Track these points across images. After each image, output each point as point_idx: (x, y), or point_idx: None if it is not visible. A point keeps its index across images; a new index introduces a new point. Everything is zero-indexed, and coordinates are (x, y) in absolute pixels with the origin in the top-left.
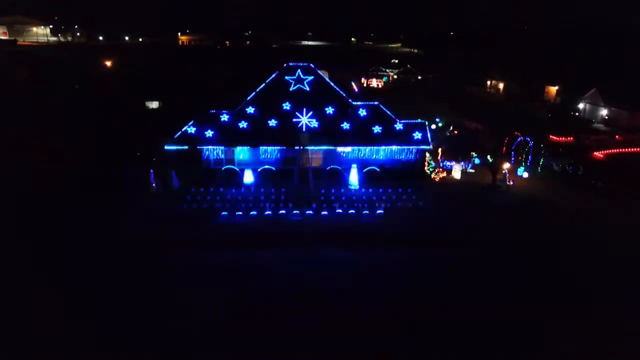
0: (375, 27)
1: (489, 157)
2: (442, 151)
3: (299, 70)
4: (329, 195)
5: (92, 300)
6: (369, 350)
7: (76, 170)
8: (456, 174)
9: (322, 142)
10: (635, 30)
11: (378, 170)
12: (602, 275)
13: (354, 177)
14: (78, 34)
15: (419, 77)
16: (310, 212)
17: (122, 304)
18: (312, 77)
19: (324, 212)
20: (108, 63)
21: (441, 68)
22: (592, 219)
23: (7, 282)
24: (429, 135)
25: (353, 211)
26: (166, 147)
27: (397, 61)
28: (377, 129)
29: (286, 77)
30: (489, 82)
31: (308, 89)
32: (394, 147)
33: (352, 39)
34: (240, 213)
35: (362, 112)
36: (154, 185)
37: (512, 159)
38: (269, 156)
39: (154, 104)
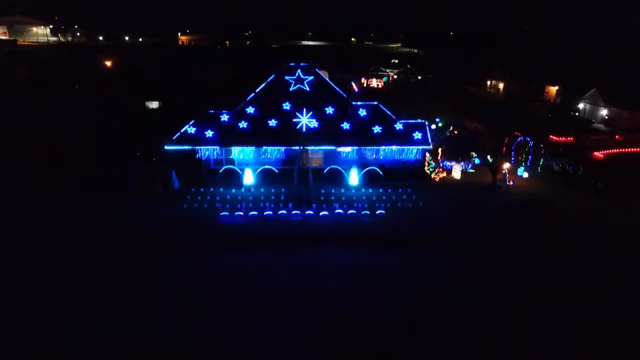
0: (375, 27)
1: (489, 157)
2: (442, 151)
3: (299, 70)
4: (329, 195)
5: (92, 300)
6: (369, 350)
7: (76, 170)
8: (456, 174)
9: (322, 142)
10: (635, 30)
11: (378, 170)
12: (602, 275)
13: (354, 177)
14: (78, 34)
15: (419, 77)
16: (310, 212)
17: (122, 304)
18: (312, 77)
19: (324, 212)
20: (108, 63)
21: (441, 68)
22: (592, 219)
23: (7, 282)
24: (429, 135)
25: (353, 211)
26: (166, 147)
27: (397, 61)
28: (377, 129)
29: (286, 77)
30: (489, 82)
31: (308, 89)
32: (394, 147)
33: (352, 39)
34: (240, 213)
35: (362, 112)
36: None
37: (512, 159)
38: (269, 156)
39: (154, 104)
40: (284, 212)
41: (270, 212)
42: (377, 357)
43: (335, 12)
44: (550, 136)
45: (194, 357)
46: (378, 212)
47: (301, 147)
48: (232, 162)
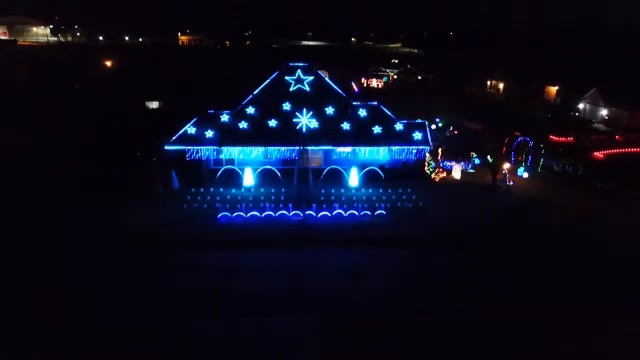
0: (375, 27)
1: (489, 157)
2: (442, 151)
3: (299, 71)
4: (329, 196)
5: (92, 300)
6: (369, 350)
7: (76, 170)
8: (456, 174)
9: (322, 142)
10: (635, 30)
11: (378, 170)
12: (602, 275)
13: (353, 177)
14: (78, 34)
15: (419, 77)
16: (310, 212)
17: (122, 304)
18: (312, 77)
19: (324, 212)
20: (108, 63)
21: (441, 68)
22: (592, 219)
23: (7, 282)
24: (429, 135)
25: (353, 211)
26: (166, 147)
27: (397, 61)
28: (377, 129)
29: (286, 77)
30: (489, 82)
31: (308, 89)
32: (394, 147)
33: (352, 39)
34: (240, 213)
35: (362, 112)
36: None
37: (512, 159)
38: (269, 156)
39: (154, 104)
40: (284, 212)
41: (270, 212)
42: (377, 357)
43: (335, 12)
44: (550, 136)
45: (194, 357)
46: (378, 212)
47: (301, 147)
48: (232, 162)
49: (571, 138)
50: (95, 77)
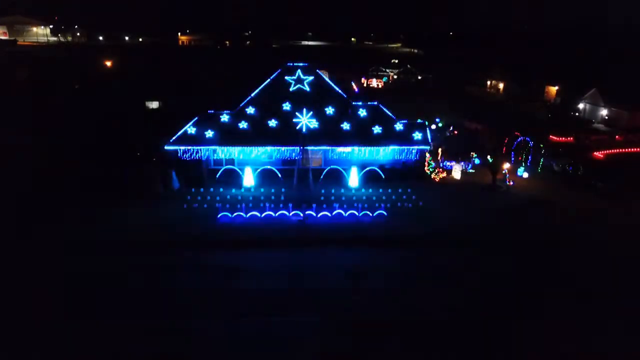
0: (375, 27)
1: (489, 157)
2: (442, 151)
3: (299, 71)
4: (329, 196)
5: (92, 301)
6: (369, 350)
7: (76, 170)
8: (456, 174)
9: (322, 142)
10: (635, 30)
11: (378, 170)
12: (602, 275)
13: (353, 177)
14: (78, 34)
15: (419, 77)
16: (310, 212)
17: (122, 304)
18: (312, 77)
19: (324, 212)
20: (108, 63)
21: (441, 68)
22: (592, 219)
23: (7, 282)
24: (429, 135)
25: (353, 211)
26: (166, 147)
27: (397, 61)
28: (377, 129)
29: (286, 77)
30: (489, 82)
31: (308, 89)
32: (394, 147)
33: (352, 39)
34: (241, 213)
35: (362, 112)
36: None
37: (512, 159)
38: (269, 156)
39: (154, 104)
40: (283, 212)
41: (270, 212)
42: (377, 357)
43: (335, 12)
44: (550, 136)
45: (194, 357)
46: (378, 212)
47: (301, 147)
48: (232, 162)
49: (571, 138)
50: (95, 77)
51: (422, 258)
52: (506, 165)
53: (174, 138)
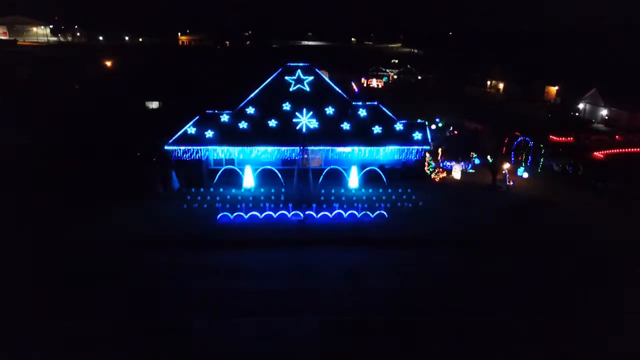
0: (375, 27)
1: (489, 157)
2: (442, 151)
3: (299, 71)
4: (329, 196)
5: (92, 301)
6: (369, 350)
7: (76, 170)
8: (456, 174)
9: (322, 142)
10: (635, 30)
11: (378, 170)
12: (602, 275)
13: (353, 177)
14: (78, 34)
15: (419, 77)
16: (310, 212)
17: (122, 304)
18: (312, 78)
19: (324, 212)
20: (108, 63)
21: (441, 68)
22: (592, 219)
23: (7, 282)
24: (429, 135)
25: (353, 211)
26: (166, 147)
27: (397, 61)
28: (377, 129)
29: (286, 78)
30: (489, 82)
31: (308, 89)
32: (394, 147)
33: (352, 39)
34: (241, 213)
35: (362, 112)
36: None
37: (512, 159)
38: (269, 156)
39: (154, 104)
40: (284, 212)
41: (270, 213)
42: (377, 357)
43: (335, 12)
44: (550, 136)
45: (194, 357)
46: (378, 212)
47: (301, 147)
48: (232, 162)
49: (571, 138)
50: (95, 77)
51: (422, 258)
52: (506, 165)
53: (174, 138)
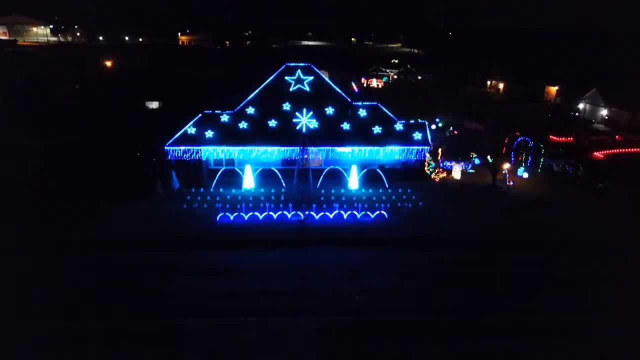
0: (375, 27)
1: (489, 157)
2: (442, 151)
3: (299, 71)
4: (329, 196)
5: (92, 301)
6: (370, 350)
7: (76, 170)
8: (456, 174)
9: (322, 143)
10: (635, 30)
11: (378, 170)
12: (602, 275)
13: (354, 178)
14: (78, 34)
15: (419, 77)
16: (310, 212)
17: (122, 304)
18: (312, 78)
19: (324, 213)
20: (108, 63)
21: (441, 68)
22: (592, 218)
23: (7, 282)
24: (429, 135)
25: (353, 211)
26: (166, 147)
27: (397, 61)
28: (377, 129)
29: (286, 78)
30: (489, 82)
31: (308, 89)
32: (394, 148)
33: (352, 39)
34: (240, 213)
35: (362, 112)
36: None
37: (512, 159)
38: (269, 156)
39: (154, 104)
40: (284, 212)
41: (270, 213)
42: (378, 358)
43: (335, 12)
44: (550, 136)
45: (193, 356)
46: (378, 212)
47: (301, 147)
48: (232, 162)
49: (571, 138)
50: (95, 77)
51: (422, 258)
52: (506, 165)
53: (174, 138)
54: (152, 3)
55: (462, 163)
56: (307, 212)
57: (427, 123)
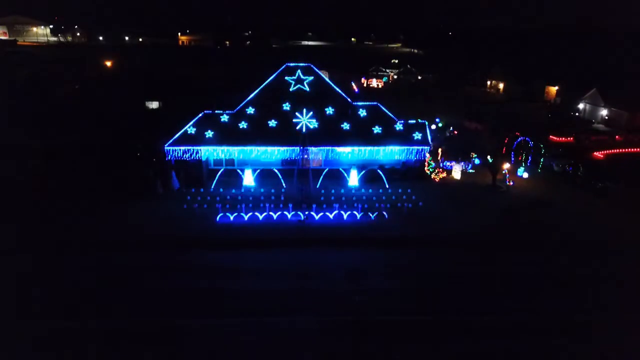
0: (375, 27)
1: (489, 157)
2: (442, 151)
3: (299, 71)
4: (329, 196)
5: (92, 301)
6: (369, 350)
7: (76, 170)
8: (456, 174)
9: (322, 143)
10: (635, 30)
11: (378, 170)
12: (602, 276)
13: (353, 178)
14: (78, 34)
15: (419, 77)
16: (310, 212)
17: (121, 304)
18: (312, 78)
19: (324, 213)
20: (108, 63)
21: (441, 68)
22: (592, 218)
23: (7, 282)
24: (429, 135)
25: (353, 211)
26: (166, 147)
27: (397, 61)
28: (377, 129)
29: (286, 78)
30: (489, 82)
31: (308, 89)
32: (394, 148)
33: (352, 39)
34: (240, 214)
35: (362, 112)
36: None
37: (512, 159)
38: (268, 156)
39: (154, 104)
40: (284, 212)
41: (270, 213)
42: (378, 357)
43: (335, 12)
44: (550, 136)
45: (193, 357)
46: (378, 212)
47: (301, 148)
48: (231, 162)
49: (571, 138)
50: (95, 77)
51: (422, 258)
52: (506, 166)
53: (174, 138)
54: (152, 3)
55: (462, 163)
56: (307, 212)
57: (427, 123)
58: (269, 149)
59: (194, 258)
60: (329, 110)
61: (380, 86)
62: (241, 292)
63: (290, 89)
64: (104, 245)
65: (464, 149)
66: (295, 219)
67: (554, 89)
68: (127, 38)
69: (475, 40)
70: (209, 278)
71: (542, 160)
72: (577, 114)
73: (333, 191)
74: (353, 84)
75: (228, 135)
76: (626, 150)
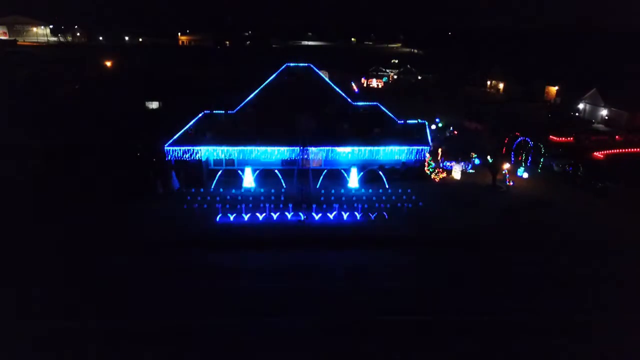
0: (375, 27)
1: (489, 157)
2: (442, 151)
3: (299, 71)
4: (328, 196)
5: (92, 301)
6: (369, 350)
7: (76, 170)
8: (456, 174)
9: (322, 143)
10: (635, 30)
11: (378, 170)
12: (602, 276)
13: (353, 178)
14: (78, 34)
15: (419, 77)
16: (310, 212)
17: (121, 304)
18: (312, 78)
19: (324, 213)
20: (108, 63)
21: (441, 68)
22: (592, 219)
23: (7, 282)
24: (428, 135)
25: (353, 212)
26: (166, 147)
27: (397, 61)
28: (377, 129)
29: (286, 78)
30: (489, 82)
31: (308, 89)
32: (393, 148)
33: (352, 39)
34: (241, 214)
35: (362, 113)
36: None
37: (512, 159)
38: (268, 157)
39: (154, 104)
40: (284, 212)
41: (270, 213)
42: (378, 357)
43: (335, 12)
44: (550, 136)
45: (194, 357)
46: (378, 212)
47: (301, 148)
48: (231, 162)
49: (571, 138)
50: (95, 77)
51: (422, 258)
52: (506, 166)
53: (174, 138)
54: (152, 3)
55: (462, 163)
56: (307, 213)
57: (427, 123)
58: (269, 149)
59: (194, 258)
60: (329, 110)
61: (380, 86)
62: (241, 292)
63: (290, 89)
64: (102, 245)
65: (464, 149)
66: (295, 219)
67: (554, 89)
68: (127, 38)
69: (475, 40)
70: (209, 278)
71: (542, 160)
72: (577, 114)
73: (333, 191)
74: (353, 84)
75: (228, 136)
76: (626, 150)
